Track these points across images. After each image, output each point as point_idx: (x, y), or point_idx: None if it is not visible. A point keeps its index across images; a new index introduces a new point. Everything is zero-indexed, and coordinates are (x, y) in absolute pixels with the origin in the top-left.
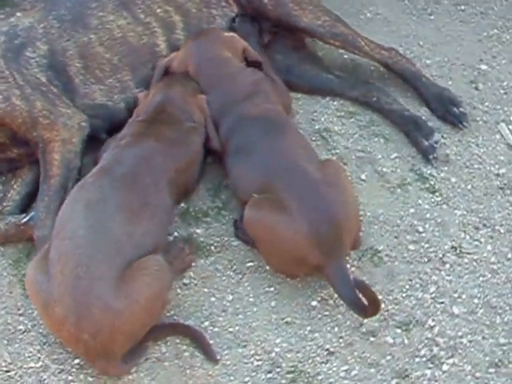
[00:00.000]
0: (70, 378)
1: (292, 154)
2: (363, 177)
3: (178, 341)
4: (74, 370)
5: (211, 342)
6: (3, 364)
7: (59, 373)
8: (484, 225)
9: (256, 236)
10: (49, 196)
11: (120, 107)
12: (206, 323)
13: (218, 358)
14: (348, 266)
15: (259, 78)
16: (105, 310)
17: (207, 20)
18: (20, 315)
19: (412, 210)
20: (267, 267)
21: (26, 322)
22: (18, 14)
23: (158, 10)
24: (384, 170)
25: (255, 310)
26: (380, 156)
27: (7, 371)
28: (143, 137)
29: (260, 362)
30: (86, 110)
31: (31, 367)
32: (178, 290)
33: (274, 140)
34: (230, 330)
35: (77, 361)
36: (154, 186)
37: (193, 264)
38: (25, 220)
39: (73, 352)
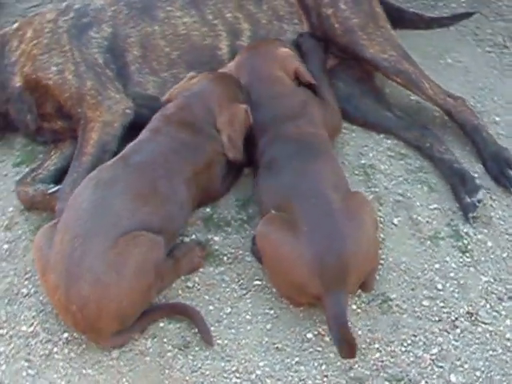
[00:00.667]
0: (55, 349)
1: (318, 178)
2: (395, 221)
3: (165, 340)
4: (60, 342)
5: (197, 349)
6: None
7: (46, 342)
8: (509, 297)
9: (263, 251)
10: (78, 172)
11: None
12: (197, 330)
13: (200, 366)
14: (354, 307)
15: (306, 100)
16: (93, 283)
17: (276, 33)
18: (26, 279)
19: (437, 266)
20: (273, 289)
21: (30, 286)
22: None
23: (228, 15)
24: (419, 218)
25: (249, 328)
26: (419, 203)
27: None
28: (161, 134)
29: (239, 380)
30: (137, 99)
31: (22, 330)
32: (180, 291)
33: (304, 162)
34: (219, 342)
35: (65, 335)
36: (168, 179)
37: (201, 269)
38: (51, 190)
39: (64, 325)
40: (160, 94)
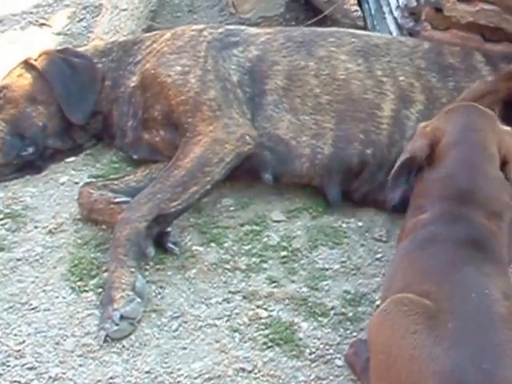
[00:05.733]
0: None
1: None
2: None
3: None
4: (45, 376)
5: None
6: None
7: (28, 369)
8: None
9: (376, 346)
10: (162, 184)
11: (300, 153)
12: None
13: None
14: None
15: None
16: None
17: None
18: (43, 291)
19: None
20: None
21: (44, 301)
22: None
23: (401, 78)
24: None
25: None
26: None
27: None
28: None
29: None
30: (261, 136)
31: (8, 346)
32: None
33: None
34: None
35: (55, 370)
36: None
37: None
38: (119, 200)
39: (57, 359)
40: (291, 139)
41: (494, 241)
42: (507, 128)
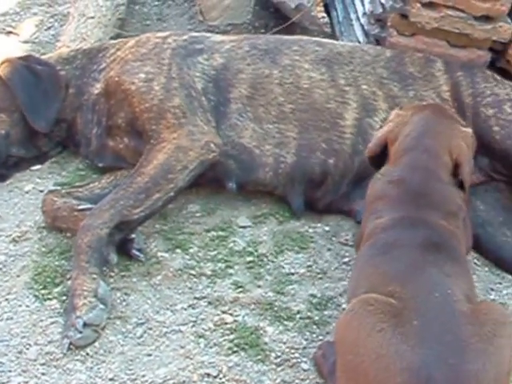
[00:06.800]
0: None
1: (447, 278)
2: None
3: None
4: None
5: None
6: None
7: None
8: None
9: (342, 345)
10: (125, 191)
11: (264, 162)
12: None
13: None
14: None
15: (462, 207)
16: None
17: None
18: (6, 300)
19: None
20: None
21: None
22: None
23: (364, 87)
24: None
25: None
26: None
27: None
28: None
29: None
30: (225, 145)
31: None
32: None
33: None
34: None
35: None
36: None
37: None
38: (83, 207)
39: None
40: (255, 147)
41: (453, 241)
42: (466, 130)
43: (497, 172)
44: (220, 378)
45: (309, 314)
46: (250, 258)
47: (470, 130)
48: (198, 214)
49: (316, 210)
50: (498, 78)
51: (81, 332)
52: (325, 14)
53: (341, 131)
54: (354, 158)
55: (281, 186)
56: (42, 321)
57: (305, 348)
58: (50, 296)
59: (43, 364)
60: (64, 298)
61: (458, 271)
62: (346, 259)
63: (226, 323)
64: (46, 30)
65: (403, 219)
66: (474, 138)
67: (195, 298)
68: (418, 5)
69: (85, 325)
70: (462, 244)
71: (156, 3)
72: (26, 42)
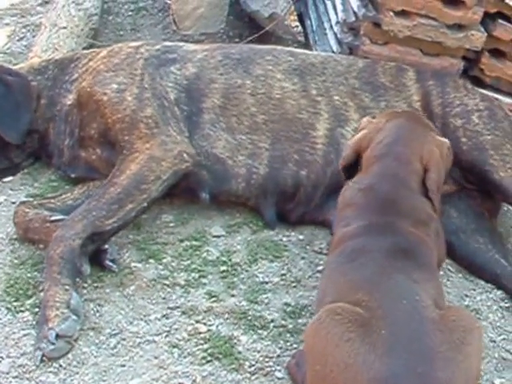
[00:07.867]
0: None
1: (415, 285)
2: (497, 382)
3: None
4: None
5: None
6: None
7: None
8: None
9: (312, 354)
10: (98, 202)
11: (236, 172)
12: None
13: None
14: None
15: (432, 216)
16: None
17: None
18: None
19: None
20: None
21: None
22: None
23: (336, 97)
24: None
25: None
26: None
27: None
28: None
29: None
30: (199, 155)
31: None
32: None
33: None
34: None
35: None
36: None
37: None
38: (55, 218)
39: None
40: (228, 158)
41: (422, 247)
42: (442, 139)
43: (468, 181)
44: None
45: (283, 322)
46: (223, 268)
47: (446, 141)
48: (171, 224)
49: (289, 221)
50: (470, 87)
51: (53, 344)
52: (298, 23)
53: (313, 142)
54: (326, 168)
55: (253, 197)
56: (14, 333)
57: (279, 356)
58: (22, 308)
59: (16, 377)
60: (36, 310)
61: (427, 277)
62: (320, 268)
63: (200, 333)
64: (18, 40)
65: (371, 226)
66: (450, 150)
67: (169, 308)
68: (391, 13)
69: (57, 336)
70: (433, 251)
71: (130, 13)
72: None
